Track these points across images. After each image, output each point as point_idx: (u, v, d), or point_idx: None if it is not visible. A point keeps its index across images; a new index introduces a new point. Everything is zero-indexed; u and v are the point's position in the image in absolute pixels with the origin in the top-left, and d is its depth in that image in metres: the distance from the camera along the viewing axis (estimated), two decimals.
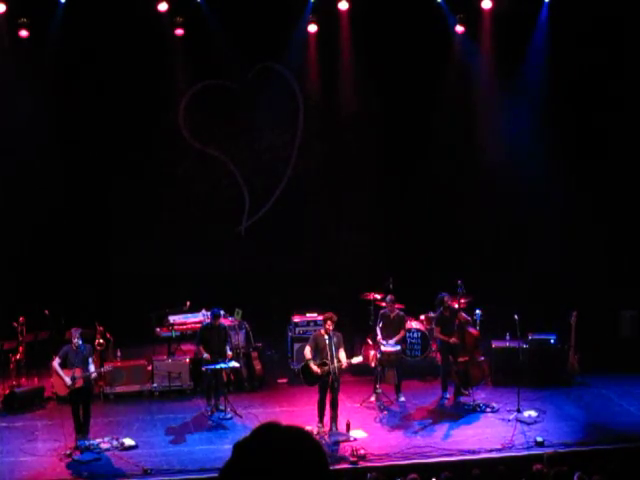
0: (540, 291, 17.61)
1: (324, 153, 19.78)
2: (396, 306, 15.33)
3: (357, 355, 14.44)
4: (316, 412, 13.48)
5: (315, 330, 14.74)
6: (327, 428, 13.33)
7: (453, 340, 14.55)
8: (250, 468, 2.34)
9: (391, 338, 14.97)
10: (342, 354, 13.41)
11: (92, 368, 13.19)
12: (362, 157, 19.60)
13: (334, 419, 13.40)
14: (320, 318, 15.48)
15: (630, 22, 17.63)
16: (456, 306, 15.04)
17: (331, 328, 13.31)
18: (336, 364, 13.23)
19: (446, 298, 14.85)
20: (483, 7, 18.03)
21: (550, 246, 18.48)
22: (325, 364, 13.25)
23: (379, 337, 14.95)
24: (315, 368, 13.26)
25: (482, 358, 14.84)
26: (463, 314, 14.73)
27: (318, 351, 13.36)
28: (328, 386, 13.31)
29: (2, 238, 17.50)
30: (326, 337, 13.32)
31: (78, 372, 12.94)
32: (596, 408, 14.54)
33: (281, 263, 19.34)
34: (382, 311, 15.33)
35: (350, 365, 13.68)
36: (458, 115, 18.84)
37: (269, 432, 2.41)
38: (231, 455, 2.39)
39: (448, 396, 14.89)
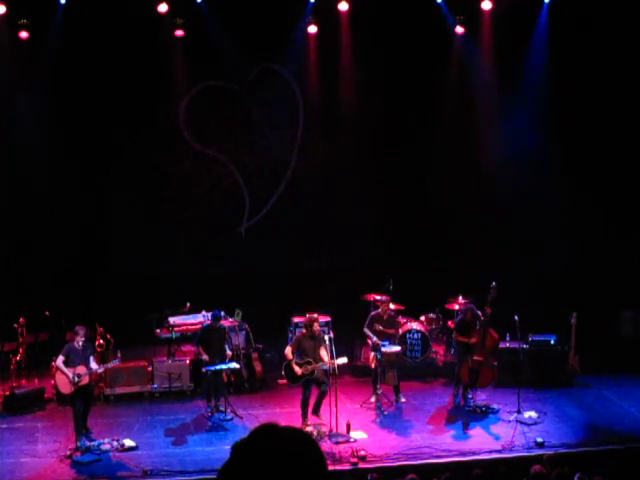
0: (540, 292, 17.60)
1: (324, 154, 19.79)
2: (394, 307, 15.29)
3: (356, 359, 14.48)
4: (301, 412, 13.58)
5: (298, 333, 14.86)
6: (327, 429, 13.35)
7: (473, 340, 14.46)
8: (248, 469, 2.34)
9: (384, 339, 14.89)
10: (323, 353, 13.46)
11: (94, 365, 13.22)
12: (362, 158, 19.61)
13: (316, 411, 13.50)
14: (320, 319, 15.51)
15: (630, 22, 17.61)
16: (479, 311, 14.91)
17: (318, 329, 13.45)
18: (320, 364, 13.30)
19: (468, 311, 14.78)
20: (483, 8, 18.03)
21: (550, 247, 18.48)
22: (309, 363, 13.33)
23: (375, 339, 14.85)
24: (297, 368, 13.36)
25: (495, 363, 14.75)
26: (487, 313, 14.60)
27: (300, 351, 13.49)
28: (312, 386, 13.37)
29: (2, 239, 17.51)
30: (309, 338, 13.44)
31: (82, 369, 12.97)
32: (597, 409, 14.54)
33: (281, 264, 19.36)
34: (373, 313, 15.25)
35: (334, 366, 13.47)
36: (458, 115, 18.83)
37: (267, 433, 2.41)
38: (229, 456, 2.39)
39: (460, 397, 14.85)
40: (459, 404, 14.69)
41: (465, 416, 14.23)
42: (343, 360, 13.67)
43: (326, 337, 13.44)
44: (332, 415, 13.27)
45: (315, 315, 13.79)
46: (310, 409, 13.61)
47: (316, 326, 13.52)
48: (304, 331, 13.83)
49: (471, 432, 13.59)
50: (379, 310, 15.18)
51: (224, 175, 19.57)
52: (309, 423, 13.49)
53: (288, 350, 13.74)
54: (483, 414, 14.25)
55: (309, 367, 13.32)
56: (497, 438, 13.18)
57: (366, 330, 15.00)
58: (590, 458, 12.19)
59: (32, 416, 14.42)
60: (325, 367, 13.38)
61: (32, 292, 17.06)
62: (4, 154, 17.55)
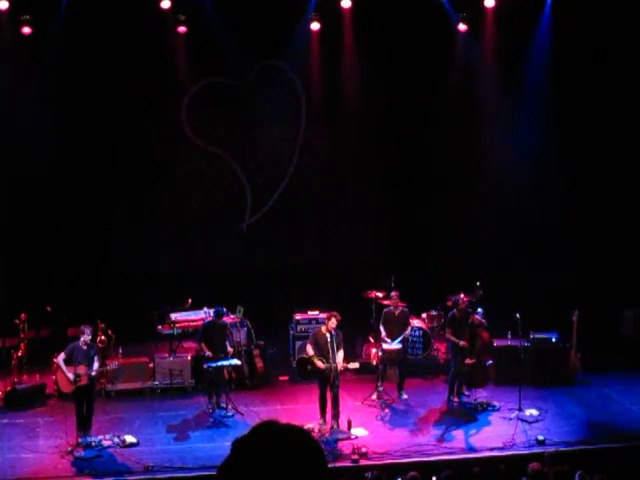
0: (542, 290, 17.59)
1: (326, 151, 19.79)
2: (400, 303, 15.28)
3: (356, 357, 14.42)
4: (318, 409, 13.50)
5: (315, 327, 14.73)
6: (329, 426, 13.34)
7: (462, 343, 14.38)
8: (248, 466, 2.34)
9: (396, 336, 14.91)
10: (341, 354, 13.39)
11: (96, 366, 13.17)
12: (364, 155, 19.63)
13: (336, 417, 13.41)
14: (322, 316, 15.48)
15: (633, 21, 17.59)
16: (469, 309, 14.85)
17: (334, 326, 13.29)
18: (336, 363, 13.20)
19: (461, 300, 14.72)
20: (486, 6, 18.01)
21: (551, 245, 18.47)
22: (323, 362, 13.24)
23: (383, 335, 14.86)
24: (320, 364, 13.23)
25: (490, 362, 14.70)
26: (477, 316, 14.53)
27: (318, 348, 13.35)
28: (328, 383, 13.31)
29: (4, 236, 17.51)
30: (327, 335, 13.30)
31: (82, 369, 12.92)
32: (597, 407, 14.54)
33: (283, 260, 19.36)
34: (386, 310, 15.24)
35: (345, 369, 13.57)
36: (460, 113, 18.80)
37: (268, 430, 2.41)
38: (229, 453, 2.39)
39: (455, 399, 14.79)
40: (452, 406, 14.65)
41: (466, 414, 14.23)
42: (355, 365, 13.70)
43: (327, 335, 13.36)
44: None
45: (335, 313, 13.57)
46: (327, 407, 13.51)
47: (332, 322, 13.34)
48: (322, 327, 13.67)
49: (472, 430, 13.60)
50: (391, 307, 15.17)
51: (226, 172, 19.56)
52: (325, 421, 13.43)
53: (308, 347, 13.50)
54: (484, 412, 14.25)
55: (325, 365, 13.23)
56: (498, 436, 13.17)
57: (381, 327, 15.02)
58: (591, 456, 12.18)
59: (33, 412, 14.43)
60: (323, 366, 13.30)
61: (33, 288, 17.05)
62: (5, 151, 17.53)
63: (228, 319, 15.50)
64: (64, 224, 18.00)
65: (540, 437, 12.92)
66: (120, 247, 19.08)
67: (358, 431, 13.35)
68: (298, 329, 16.53)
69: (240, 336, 15.86)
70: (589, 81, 18.03)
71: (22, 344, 15.60)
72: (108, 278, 18.47)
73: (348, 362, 13.53)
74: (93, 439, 12.93)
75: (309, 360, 13.38)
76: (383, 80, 19.24)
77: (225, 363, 14.31)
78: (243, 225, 19.79)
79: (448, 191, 19.11)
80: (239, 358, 15.00)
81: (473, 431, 13.55)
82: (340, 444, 12.87)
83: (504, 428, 13.49)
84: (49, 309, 15.87)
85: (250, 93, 19.27)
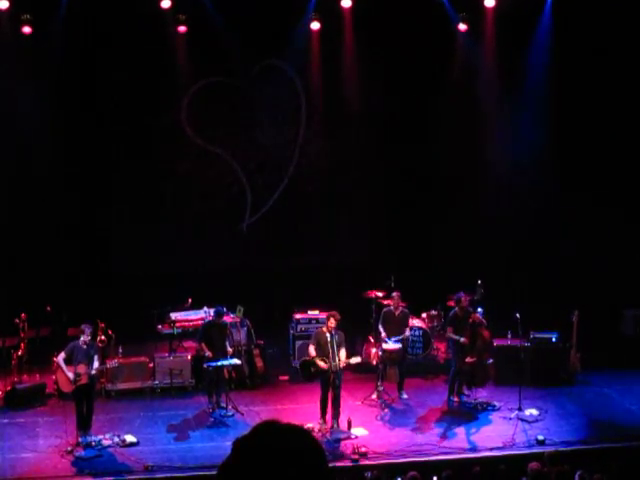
0: (542, 289, 17.59)
1: (326, 151, 19.79)
2: (400, 304, 15.28)
3: (357, 354, 14.44)
4: (318, 409, 13.51)
5: (317, 327, 14.77)
6: (329, 425, 13.35)
7: (463, 340, 14.39)
8: (249, 466, 2.34)
9: (395, 336, 14.92)
10: (343, 353, 13.41)
11: (96, 365, 13.17)
12: (364, 155, 19.62)
13: (336, 416, 13.43)
14: (322, 316, 15.48)
15: (632, 21, 17.59)
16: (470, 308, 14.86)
17: (333, 326, 13.32)
18: (337, 362, 13.24)
19: (463, 298, 14.72)
20: (486, 6, 18.01)
21: (551, 244, 18.47)
22: (325, 361, 13.27)
23: (383, 335, 14.89)
24: (322, 364, 13.24)
25: (490, 361, 14.69)
26: (477, 315, 14.53)
27: (320, 348, 13.38)
28: (330, 383, 13.33)
29: (4, 235, 17.50)
30: (328, 335, 13.32)
31: (82, 369, 12.92)
32: (597, 407, 14.54)
33: (283, 260, 19.36)
34: (385, 309, 15.26)
35: (348, 365, 13.65)
36: (460, 113, 18.80)
37: (268, 430, 2.41)
38: (230, 452, 2.39)
39: (456, 399, 14.79)
40: (453, 405, 14.64)
41: (466, 413, 14.23)
42: (357, 359, 13.78)
43: (327, 335, 13.37)
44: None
45: (334, 312, 13.60)
46: (328, 407, 13.52)
47: (331, 322, 13.38)
48: (323, 327, 13.71)
49: (472, 429, 13.60)
50: (391, 307, 15.18)
51: (226, 171, 19.56)
52: (325, 421, 13.44)
53: (311, 348, 13.51)
54: (484, 411, 14.25)
55: (327, 365, 13.25)
56: (498, 435, 13.17)
57: (380, 327, 15.04)
58: (591, 456, 12.19)
59: (33, 411, 14.42)
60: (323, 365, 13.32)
61: (33, 287, 17.05)
62: (5, 151, 17.52)
63: (228, 319, 15.50)
64: (64, 224, 17.99)
65: (540, 437, 12.93)
66: (120, 247, 19.08)
67: (358, 431, 13.35)
68: (298, 329, 16.53)
69: (240, 336, 15.86)
70: (589, 81, 18.03)
71: (22, 344, 15.60)
72: (108, 278, 18.47)
73: (350, 358, 13.55)
74: (93, 439, 12.94)
75: (312, 362, 13.40)
76: (383, 80, 19.22)
77: (225, 363, 14.31)
78: (243, 225, 19.79)
79: (448, 191, 19.10)
80: (239, 358, 15.00)
81: (473, 431, 13.55)
82: (340, 444, 12.88)
83: (504, 428, 13.49)
84: (49, 309, 15.87)
85: (250, 93, 19.27)
